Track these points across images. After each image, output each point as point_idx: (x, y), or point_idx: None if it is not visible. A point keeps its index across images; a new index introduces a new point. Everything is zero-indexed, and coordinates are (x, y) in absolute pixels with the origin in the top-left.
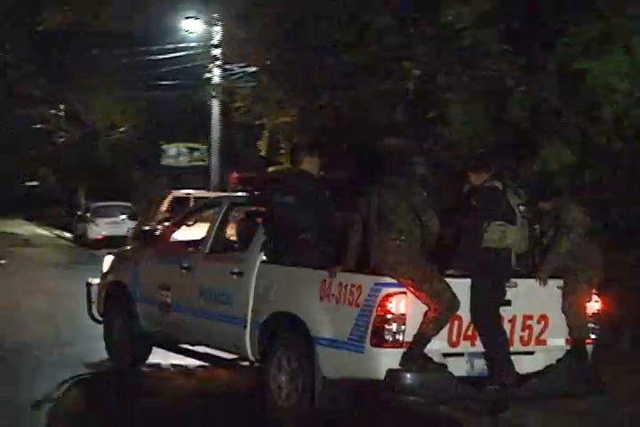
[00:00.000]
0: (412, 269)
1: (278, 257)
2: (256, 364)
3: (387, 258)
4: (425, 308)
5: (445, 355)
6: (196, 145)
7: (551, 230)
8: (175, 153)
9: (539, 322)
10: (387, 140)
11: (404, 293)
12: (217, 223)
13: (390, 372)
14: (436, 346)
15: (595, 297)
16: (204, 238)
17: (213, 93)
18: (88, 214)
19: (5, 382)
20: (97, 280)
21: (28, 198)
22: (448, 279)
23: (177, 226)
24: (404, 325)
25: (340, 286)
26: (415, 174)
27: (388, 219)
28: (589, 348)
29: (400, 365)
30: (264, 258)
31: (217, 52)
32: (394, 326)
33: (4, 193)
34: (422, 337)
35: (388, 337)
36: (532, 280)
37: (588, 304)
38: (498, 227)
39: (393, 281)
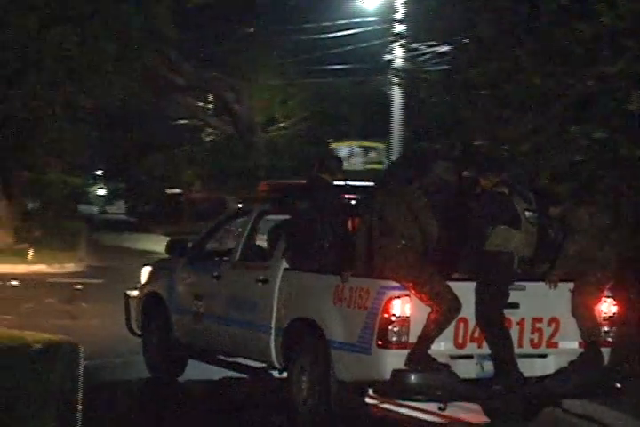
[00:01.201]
0: (413, 272)
1: (298, 263)
2: (283, 371)
3: (389, 262)
4: (429, 310)
5: (453, 357)
6: (372, 144)
7: (560, 234)
8: (347, 153)
9: (549, 325)
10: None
11: (408, 295)
12: (246, 231)
13: (395, 372)
14: (442, 347)
15: (609, 299)
16: (234, 247)
17: (395, 80)
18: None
19: None
20: (135, 292)
21: (170, 208)
22: (453, 282)
23: (210, 235)
24: (409, 326)
25: (351, 290)
26: (421, 178)
27: (390, 223)
28: (606, 351)
29: (405, 365)
30: (286, 265)
31: (400, 28)
32: (398, 328)
33: (143, 202)
34: (425, 338)
35: (393, 338)
36: (542, 283)
37: (598, 306)
38: (502, 231)
39: (397, 284)
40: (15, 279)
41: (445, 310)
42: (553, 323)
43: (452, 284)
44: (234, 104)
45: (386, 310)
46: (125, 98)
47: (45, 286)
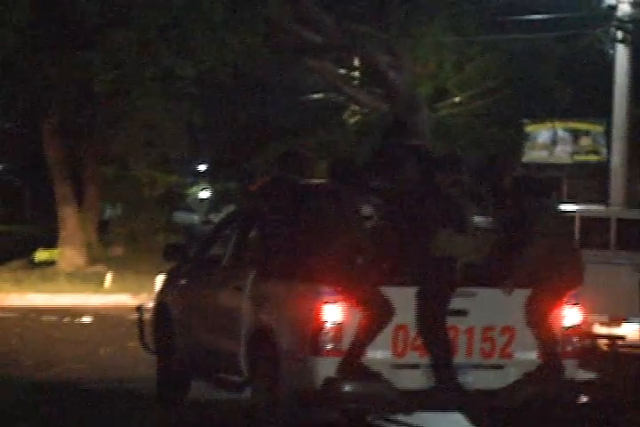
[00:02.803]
0: (342, 277)
1: (264, 270)
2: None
3: (321, 266)
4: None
5: (395, 366)
6: (584, 125)
7: (521, 237)
8: (548, 140)
9: (502, 334)
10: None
11: (341, 300)
12: (234, 235)
13: (328, 380)
14: (379, 356)
15: (572, 307)
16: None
17: (619, 34)
18: None
19: None
20: (152, 305)
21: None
22: (393, 287)
23: (212, 238)
24: (341, 333)
25: (295, 296)
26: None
27: (322, 228)
28: (570, 363)
29: (337, 373)
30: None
31: None
32: (330, 335)
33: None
34: (356, 345)
35: (325, 345)
36: (495, 290)
37: (556, 315)
38: (446, 235)
39: (330, 289)
40: (87, 315)
41: (375, 316)
42: (507, 332)
43: (392, 289)
44: (389, 71)
45: (317, 315)
46: (240, 64)
47: (128, 323)
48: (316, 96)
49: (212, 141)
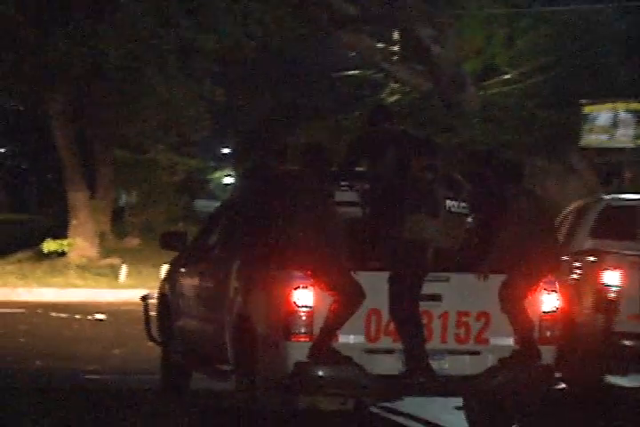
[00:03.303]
0: (311, 261)
1: (246, 258)
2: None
3: (290, 250)
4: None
5: (370, 351)
6: None
7: (497, 221)
8: (609, 122)
9: (477, 319)
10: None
11: (311, 285)
12: (224, 224)
13: (299, 365)
14: (351, 341)
15: (549, 293)
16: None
17: None
18: None
19: None
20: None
21: None
22: (366, 272)
23: (212, 226)
24: (312, 317)
25: (269, 282)
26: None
27: (291, 212)
28: (548, 348)
29: (307, 358)
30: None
31: None
32: (301, 319)
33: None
34: (326, 330)
35: (296, 330)
36: (469, 275)
37: (532, 299)
38: (417, 219)
39: (300, 274)
40: (100, 311)
41: (346, 300)
42: (482, 317)
43: (364, 273)
44: (432, 45)
45: (288, 300)
46: (267, 37)
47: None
48: (351, 73)
49: (237, 123)
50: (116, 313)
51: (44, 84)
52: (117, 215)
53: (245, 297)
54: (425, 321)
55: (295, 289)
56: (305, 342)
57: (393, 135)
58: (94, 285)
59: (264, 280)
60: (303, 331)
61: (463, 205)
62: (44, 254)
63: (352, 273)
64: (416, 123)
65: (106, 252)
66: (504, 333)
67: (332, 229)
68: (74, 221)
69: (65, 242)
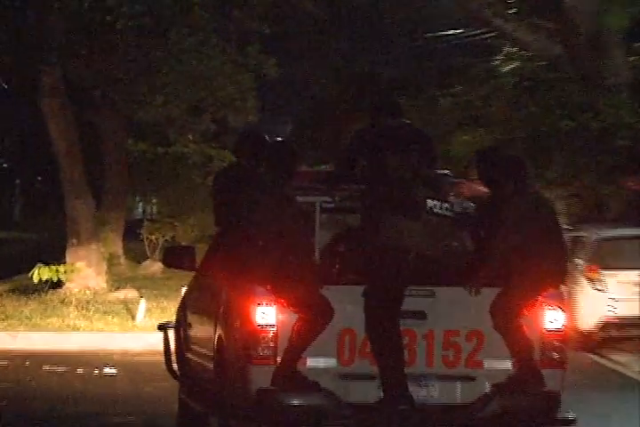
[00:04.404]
0: (272, 274)
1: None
2: None
3: (250, 263)
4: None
5: (343, 376)
6: None
7: (492, 226)
8: None
9: (469, 339)
10: None
11: (275, 301)
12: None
13: (261, 392)
14: (323, 364)
15: (553, 308)
16: None
17: None
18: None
19: None
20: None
21: None
22: (338, 286)
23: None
24: (276, 338)
25: (235, 297)
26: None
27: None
28: (551, 373)
29: (271, 384)
30: None
31: None
32: (262, 340)
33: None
34: (291, 352)
35: (257, 352)
36: (458, 288)
37: (531, 318)
38: (393, 222)
39: (260, 288)
40: (111, 364)
41: (310, 318)
42: (474, 337)
43: (335, 288)
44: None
45: (248, 318)
46: None
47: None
48: (450, 33)
49: (294, 104)
50: (131, 366)
51: (33, 55)
52: (132, 231)
53: (220, 317)
54: (407, 342)
55: (256, 306)
56: (268, 365)
57: (397, 132)
58: (102, 327)
59: (231, 296)
60: (266, 353)
61: (447, 205)
62: (33, 285)
63: (320, 287)
64: (541, 100)
65: (117, 281)
66: (500, 354)
67: (295, 236)
68: (74, 240)
69: (62, 268)
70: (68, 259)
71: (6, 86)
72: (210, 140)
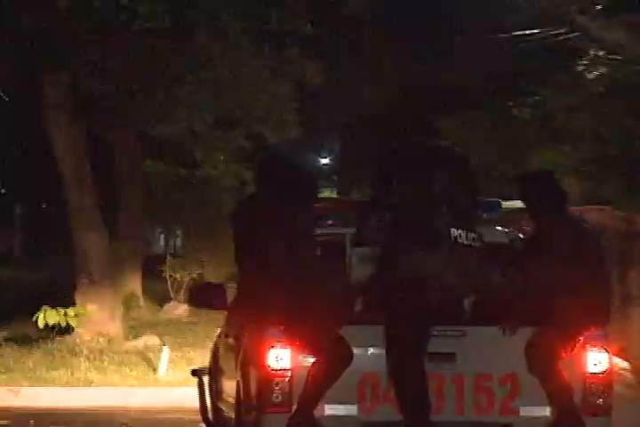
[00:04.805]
0: (283, 313)
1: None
2: None
3: (258, 299)
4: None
5: (365, 425)
6: None
7: (530, 259)
8: None
9: (503, 384)
10: None
11: (290, 343)
12: None
13: None
14: (342, 412)
15: (598, 350)
16: None
17: None
18: None
19: None
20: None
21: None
22: (358, 326)
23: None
24: (291, 383)
25: (249, 339)
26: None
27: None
28: (595, 421)
29: None
30: None
31: None
32: (276, 385)
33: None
34: (306, 399)
35: (271, 399)
36: (491, 328)
37: (570, 359)
38: (414, 253)
39: (274, 329)
40: (129, 422)
41: (327, 362)
42: (509, 381)
43: (355, 328)
44: None
45: (261, 361)
46: None
47: None
48: (527, 33)
49: (342, 117)
50: (153, 426)
51: (35, 60)
52: (153, 268)
53: (238, 362)
54: (434, 386)
55: (269, 348)
56: (283, 413)
57: (423, 153)
58: (118, 381)
59: (246, 339)
60: (280, 400)
61: (474, 235)
62: (37, 332)
63: (338, 327)
64: (635, 111)
65: (135, 327)
66: (538, 400)
67: (311, 271)
68: (84, 279)
69: (71, 311)
70: (77, 301)
71: (7, 98)
72: (243, 160)
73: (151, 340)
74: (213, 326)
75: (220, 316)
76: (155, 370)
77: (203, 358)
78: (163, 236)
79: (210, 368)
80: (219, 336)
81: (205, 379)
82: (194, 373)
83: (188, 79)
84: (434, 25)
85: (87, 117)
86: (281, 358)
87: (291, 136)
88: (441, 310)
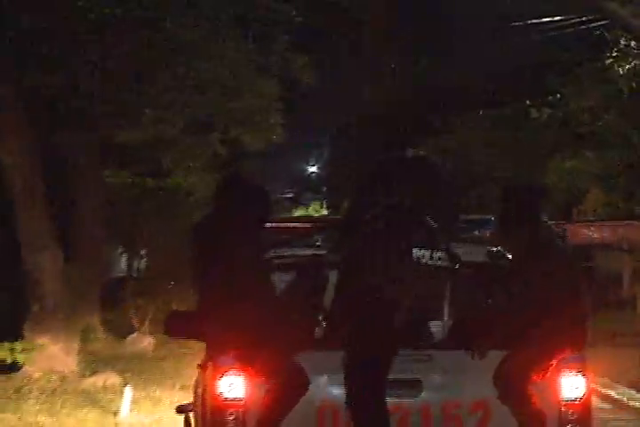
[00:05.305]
0: (240, 337)
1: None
2: None
3: (211, 323)
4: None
5: None
6: None
7: (502, 278)
8: None
9: (473, 412)
10: None
11: (244, 370)
12: None
13: None
14: None
15: (573, 374)
16: None
17: None
18: None
19: None
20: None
21: None
22: (315, 352)
23: None
24: (244, 412)
25: (203, 366)
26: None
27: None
28: None
29: None
30: None
31: None
32: (230, 415)
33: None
34: None
35: None
36: (459, 352)
37: (543, 384)
38: (375, 274)
39: (226, 356)
40: None
41: (281, 389)
42: (480, 409)
43: (312, 354)
44: None
45: (213, 390)
46: None
47: None
48: (544, 21)
49: (333, 122)
50: None
51: None
52: (114, 294)
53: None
54: (398, 416)
55: (220, 377)
56: None
57: (396, 164)
58: (74, 425)
59: (201, 364)
60: None
61: (440, 255)
62: None
63: (294, 353)
64: None
65: (94, 362)
66: None
67: (264, 293)
68: (35, 307)
69: (19, 346)
70: (26, 333)
71: None
72: (219, 168)
73: (111, 377)
74: (184, 360)
75: (196, 348)
76: (115, 413)
77: (171, 399)
78: (125, 256)
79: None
80: (198, 367)
81: (192, 415)
82: (179, 409)
83: (155, 76)
84: (440, 18)
85: (38, 122)
86: (234, 385)
87: (274, 141)
88: (404, 334)
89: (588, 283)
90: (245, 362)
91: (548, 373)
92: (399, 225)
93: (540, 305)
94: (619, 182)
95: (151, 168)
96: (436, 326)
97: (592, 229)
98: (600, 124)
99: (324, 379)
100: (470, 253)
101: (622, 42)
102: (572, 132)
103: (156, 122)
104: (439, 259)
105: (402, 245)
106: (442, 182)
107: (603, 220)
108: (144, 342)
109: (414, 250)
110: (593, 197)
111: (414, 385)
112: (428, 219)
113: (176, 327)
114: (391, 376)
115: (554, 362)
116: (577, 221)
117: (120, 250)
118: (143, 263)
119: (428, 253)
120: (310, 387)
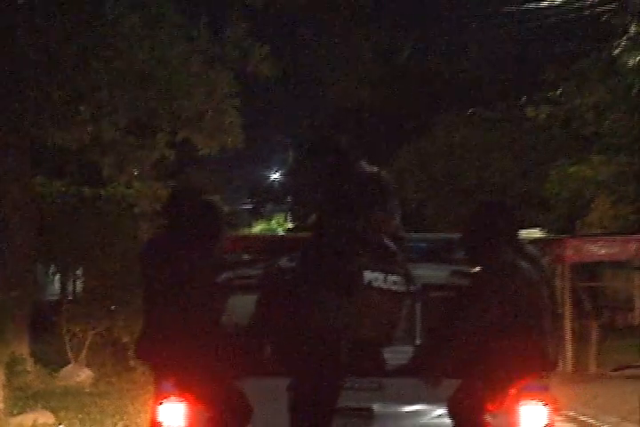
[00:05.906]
0: (179, 363)
1: None
2: None
3: (155, 347)
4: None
5: None
6: None
7: (458, 303)
8: None
9: None
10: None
11: (184, 397)
12: None
13: None
14: None
15: (535, 403)
16: None
17: None
18: None
19: None
20: None
21: None
22: (260, 379)
23: None
24: None
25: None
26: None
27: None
28: None
29: None
30: None
31: None
32: None
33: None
34: None
35: None
36: (412, 380)
37: (502, 413)
38: (322, 299)
39: (166, 383)
40: None
41: (223, 417)
42: None
43: (256, 381)
44: None
45: (153, 417)
46: None
47: None
48: (542, 6)
49: (300, 123)
50: None
51: None
52: (45, 320)
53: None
54: None
55: (160, 404)
56: None
57: (346, 181)
58: None
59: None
60: None
61: (394, 279)
62: None
63: (234, 379)
64: None
65: (22, 399)
66: None
67: (209, 317)
68: None
69: None
70: None
71: None
72: (166, 176)
73: (43, 416)
74: (127, 396)
75: (140, 382)
76: None
77: None
78: (58, 276)
79: None
80: None
81: None
82: None
83: (92, 69)
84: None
85: None
86: (175, 413)
87: (230, 144)
88: (352, 361)
89: (592, 306)
90: (185, 388)
91: (506, 402)
92: (349, 246)
93: (494, 329)
94: (628, 191)
95: (88, 175)
96: (388, 353)
97: (598, 243)
98: (606, 123)
99: (268, 407)
100: (439, 275)
101: (632, 29)
102: (575, 134)
103: (91, 121)
104: (394, 283)
105: (351, 268)
106: (392, 201)
107: (611, 233)
108: (81, 375)
109: (365, 273)
110: (599, 208)
111: (364, 414)
112: (386, 240)
113: (149, 351)
114: (341, 404)
115: (512, 390)
116: (581, 235)
117: (53, 269)
118: (80, 284)
119: (381, 277)
120: (254, 415)
